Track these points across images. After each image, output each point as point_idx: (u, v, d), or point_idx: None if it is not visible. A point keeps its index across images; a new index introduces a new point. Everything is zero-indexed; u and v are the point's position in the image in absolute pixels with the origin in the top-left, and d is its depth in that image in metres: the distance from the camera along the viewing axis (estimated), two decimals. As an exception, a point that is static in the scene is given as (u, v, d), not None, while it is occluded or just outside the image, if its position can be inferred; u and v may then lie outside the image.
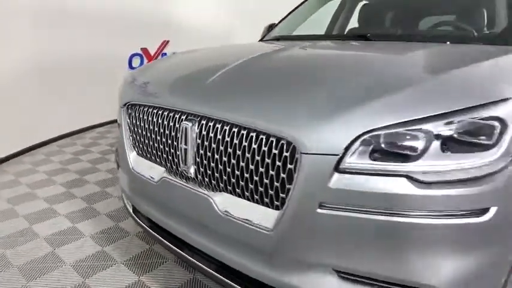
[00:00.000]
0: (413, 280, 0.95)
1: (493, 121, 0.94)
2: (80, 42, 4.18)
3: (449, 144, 0.93)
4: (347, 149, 0.94)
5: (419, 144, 0.92)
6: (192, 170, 1.27)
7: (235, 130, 1.14)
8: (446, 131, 0.93)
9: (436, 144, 0.92)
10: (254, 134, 1.09)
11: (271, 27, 2.78)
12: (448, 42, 1.72)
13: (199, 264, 1.34)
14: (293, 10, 2.87)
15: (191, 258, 1.37)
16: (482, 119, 0.94)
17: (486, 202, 0.91)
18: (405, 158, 0.92)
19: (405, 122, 0.93)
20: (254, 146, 1.09)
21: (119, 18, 4.59)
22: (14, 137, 3.55)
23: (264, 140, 1.07)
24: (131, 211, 1.73)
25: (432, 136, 0.93)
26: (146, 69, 1.79)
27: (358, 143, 0.94)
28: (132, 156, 1.58)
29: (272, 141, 1.05)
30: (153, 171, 1.46)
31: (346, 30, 2.74)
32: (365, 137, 0.94)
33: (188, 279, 1.76)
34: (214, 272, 1.29)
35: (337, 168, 0.95)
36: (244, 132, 1.12)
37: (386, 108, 0.98)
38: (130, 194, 1.65)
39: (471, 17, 1.92)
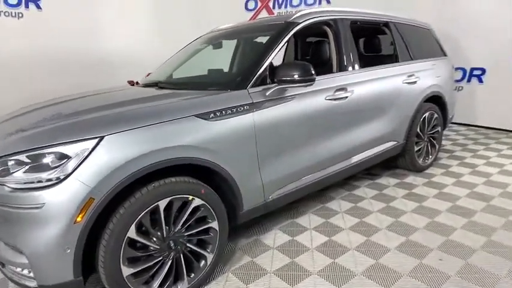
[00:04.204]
0: (11, 243, 1.71)
1: (54, 154, 1.65)
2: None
3: (35, 167, 1.65)
4: None
5: (11, 168, 1.67)
6: None
7: None
8: (26, 160, 1.66)
9: (20, 167, 1.66)
10: None
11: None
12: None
13: None
14: (171, 57, 3.65)
15: None
16: (49, 153, 1.66)
17: (40, 200, 1.61)
18: (6, 174, 1.67)
19: (5, 155, 1.69)
20: None
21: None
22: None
23: None
24: None
25: (17, 164, 1.67)
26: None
27: None
28: None
29: None
30: None
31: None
32: None
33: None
34: None
35: None
36: None
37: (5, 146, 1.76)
38: None
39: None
